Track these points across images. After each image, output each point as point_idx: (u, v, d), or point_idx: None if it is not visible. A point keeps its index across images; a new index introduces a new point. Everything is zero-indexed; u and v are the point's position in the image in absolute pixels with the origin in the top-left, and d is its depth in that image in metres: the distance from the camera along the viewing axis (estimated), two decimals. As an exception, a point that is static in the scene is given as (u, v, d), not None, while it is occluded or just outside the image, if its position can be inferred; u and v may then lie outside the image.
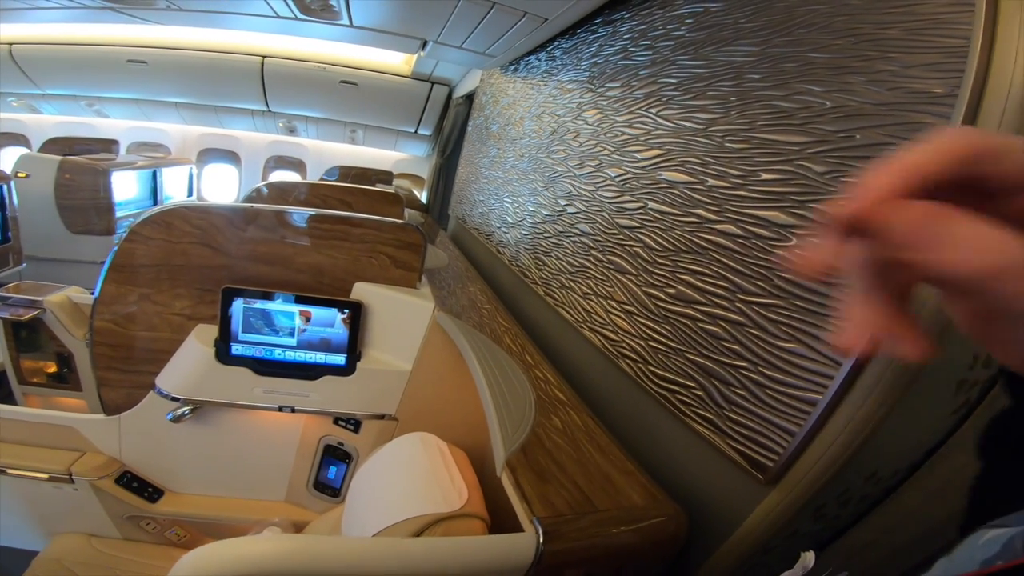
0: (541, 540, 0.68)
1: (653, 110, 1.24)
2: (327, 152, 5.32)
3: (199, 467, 1.57)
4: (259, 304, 1.30)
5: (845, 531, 0.87)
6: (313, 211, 1.36)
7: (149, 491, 1.54)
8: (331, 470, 1.60)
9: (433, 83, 4.39)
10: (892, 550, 0.84)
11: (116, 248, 1.35)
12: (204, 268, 1.36)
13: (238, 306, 1.29)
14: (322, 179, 4.62)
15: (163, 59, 4.15)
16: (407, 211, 3.16)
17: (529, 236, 1.83)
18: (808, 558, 0.43)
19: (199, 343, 1.34)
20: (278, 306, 1.31)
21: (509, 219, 2.11)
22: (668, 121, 1.18)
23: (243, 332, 1.31)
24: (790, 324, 0.78)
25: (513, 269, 1.92)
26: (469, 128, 3.45)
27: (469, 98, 3.84)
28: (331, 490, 1.60)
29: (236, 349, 1.33)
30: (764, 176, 0.87)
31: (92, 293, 2.36)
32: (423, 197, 5.26)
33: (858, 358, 0.70)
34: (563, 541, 0.69)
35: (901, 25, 0.72)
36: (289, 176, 5.31)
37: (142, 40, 4.05)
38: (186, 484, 1.59)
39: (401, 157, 5.49)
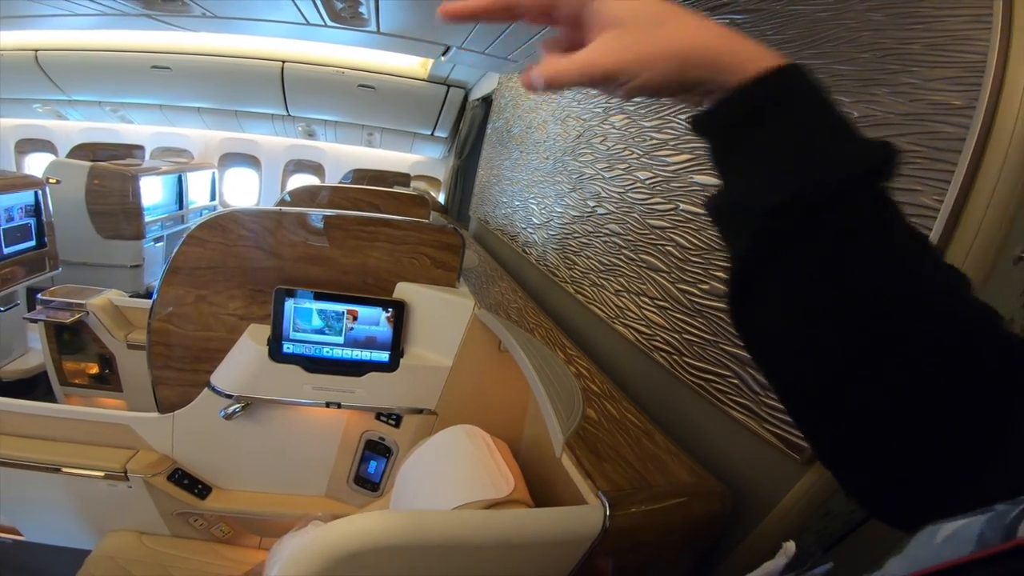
0: (607, 512, 0.74)
1: (682, 116, 1.31)
2: (344, 155, 5.41)
3: (246, 464, 1.63)
4: (308, 303, 1.38)
5: None
6: (358, 214, 1.44)
7: (199, 488, 1.59)
8: (371, 465, 1.66)
9: (449, 86, 4.47)
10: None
11: (175, 252, 1.44)
12: (257, 270, 1.44)
13: (289, 306, 1.37)
14: (341, 183, 4.71)
15: (186, 65, 4.26)
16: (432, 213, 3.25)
17: (557, 236, 1.90)
18: (789, 547, 0.47)
19: (252, 342, 1.42)
20: (326, 305, 1.39)
21: (535, 220, 2.18)
22: (697, 127, 1.24)
23: (293, 331, 1.39)
24: (821, 317, 0.85)
25: (540, 268, 2.00)
26: (488, 131, 3.52)
27: (486, 101, 3.91)
28: (371, 484, 1.66)
29: (287, 347, 1.41)
30: (794, 180, 0.94)
31: (128, 295, 2.48)
32: (440, 198, 5.35)
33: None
34: (626, 513, 0.76)
35: (922, 40, 0.79)
36: (308, 180, 5.41)
37: (166, 46, 4.16)
38: (233, 480, 1.65)
39: (417, 159, 5.58)
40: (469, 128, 4.31)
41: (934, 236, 0.72)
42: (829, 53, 0.94)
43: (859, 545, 0.98)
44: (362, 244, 1.46)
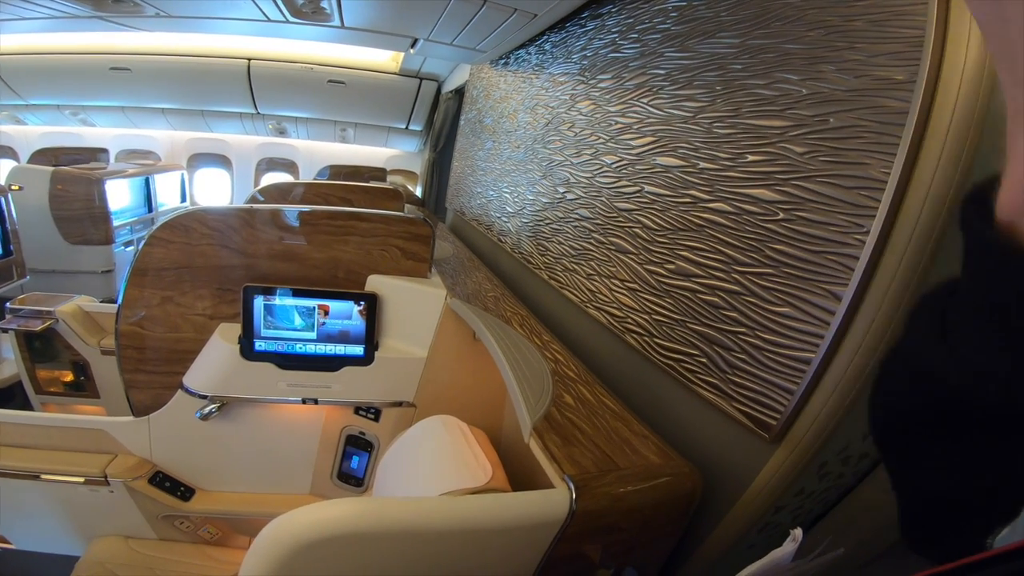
0: (574, 495, 0.75)
1: (644, 100, 1.32)
2: (318, 152, 5.35)
3: (228, 464, 1.63)
4: (278, 300, 1.37)
5: (850, 491, 0.95)
6: (326, 208, 1.43)
7: (182, 490, 1.59)
8: (354, 460, 1.67)
9: (422, 79, 4.43)
10: (893, 513, 0.92)
11: (137, 253, 1.41)
12: (223, 268, 1.43)
13: (259, 303, 1.36)
14: (315, 179, 4.65)
15: (147, 65, 4.16)
16: (407, 206, 3.23)
17: (530, 224, 1.91)
18: (797, 534, 0.47)
19: (223, 341, 1.41)
20: (297, 301, 1.38)
21: (509, 208, 2.18)
22: (659, 110, 1.25)
23: (265, 328, 1.38)
24: (782, 290, 0.87)
25: (515, 256, 2.00)
26: (462, 122, 3.50)
27: (459, 92, 3.89)
28: (355, 480, 1.67)
29: (259, 345, 1.40)
30: (750, 158, 0.95)
31: (99, 301, 2.43)
32: (417, 191, 5.31)
33: (843, 318, 0.78)
34: (593, 496, 0.77)
35: (865, 17, 0.80)
36: (281, 178, 5.33)
37: (125, 47, 4.05)
38: (216, 482, 1.64)
39: (393, 153, 5.53)
40: (443, 120, 4.28)
41: (883, 209, 0.73)
42: (778, 32, 0.95)
43: (835, 524, 0.99)
44: (331, 239, 1.45)
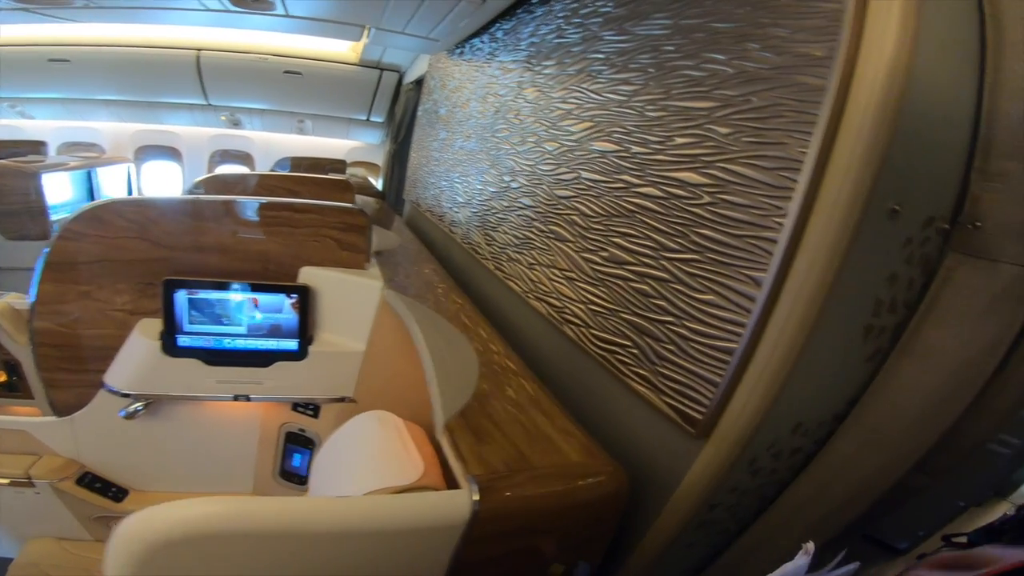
0: (476, 496, 0.70)
1: (584, 85, 1.29)
2: (276, 144, 5.18)
3: (161, 463, 1.56)
4: (203, 294, 1.29)
5: (786, 486, 0.93)
6: (253, 199, 1.36)
7: (113, 491, 1.53)
8: (295, 458, 1.61)
9: (383, 70, 4.33)
10: (834, 505, 0.90)
11: (50, 247, 1.32)
12: (143, 262, 1.34)
13: (181, 297, 1.28)
14: (272, 171, 4.52)
15: (88, 57, 3.96)
16: (362, 198, 3.15)
17: (479, 214, 1.86)
18: (809, 547, 0.46)
19: (144, 337, 1.33)
20: (223, 295, 1.31)
21: (459, 199, 2.14)
22: (597, 95, 1.22)
23: (189, 323, 1.31)
24: (706, 277, 0.84)
25: (465, 247, 1.96)
26: (419, 113, 3.43)
27: (419, 83, 3.81)
28: (298, 478, 1.61)
29: (183, 340, 1.32)
30: (679, 140, 0.93)
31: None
32: (379, 184, 5.20)
33: (764, 305, 0.76)
34: (498, 497, 0.72)
35: (789, -9, 0.78)
36: (237, 170, 5.15)
37: (63, 39, 3.85)
38: (151, 482, 1.58)
39: (355, 145, 5.40)
40: (404, 112, 4.20)
41: (800, 188, 0.71)
42: (710, 11, 0.93)
43: (775, 520, 0.97)
44: (261, 230, 1.38)
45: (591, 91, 1.25)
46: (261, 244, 1.39)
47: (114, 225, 1.30)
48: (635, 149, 1.04)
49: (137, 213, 1.30)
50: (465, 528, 0.68)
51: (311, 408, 1.51)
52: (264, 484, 1.64)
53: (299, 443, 1.59)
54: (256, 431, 1.57)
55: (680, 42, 0.98)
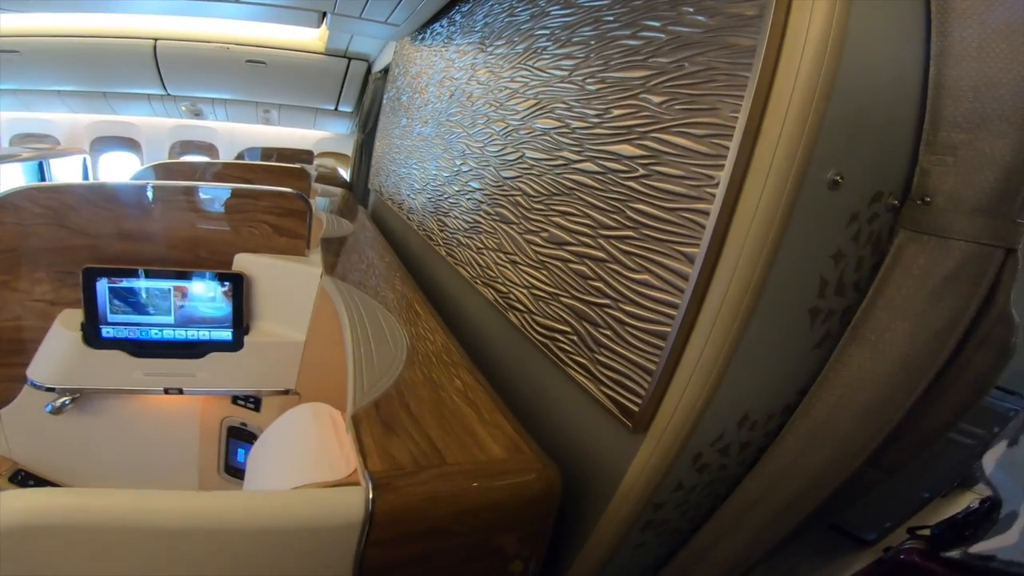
0: (371, 494, 0.64)
1: (530, 62, 1.23)
2: (241, 134, 5.04)
3: (99, 460, 1.49)
4: (126, 283, 1.21)
5: (738, 482, 0.87)
6: (180, 184, 1.28)
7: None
8: (239, 453, 1.54)
9: (350, 59, 4.24)
10: (783, 502, 0.85)
11: (-38, 234, 1.23)
12: (62, 250, 1.26)
13: (103, 286, 1.20)
14: (239, 157, 4.39)
15: (38, 47, 3.79)
16: (325, 187, 3.06)
17: (433, 200, 1.80)
18: None
19: (65, 328, 1.25)
20: (147, 283, 1.23)
21: (416, 185, 2.07)
22: (542, 72, 1.17)
23: (112, 313, 1.23)
24: (641, 255, 0.79)
25: (420, 234, 1.89)
26: (384, 101, 3.35)
27: (387, 72, 3.72)
28: (243, 474, 1.55)
29: (107, 331, 1.24)
30: (615, 112, 0.88)
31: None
32: (347, 175, 5.10)
33: (696, 283, 0.70)
34: (398, 495, 0.66)
35: (723, -52, 0.73)
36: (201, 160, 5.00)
37: (10, 29, 3.68)
38: (89, 480, 1.50)
39: (323, 136, 5.29)
40: (372, 101, 4.10)
41: (731, 155, 0.66)
42: (648, -24, 0.88)
43: (729, 518, 0.92)
44: (190, 215, 1.30)
45: (536, 68, 1.20)
46: (190, 231, 1.31)
47: (28, 212, 1.22)
48: (575, 124, 0.99)
49: (52, 199, 1.22)
50: (361, 528, 0.62)
51: (252, 401, 1.44)
52: (209, 480, 1.57)
53: (242, 438, 1.52)
54: (196, 426, 1.50)
55: (620, 11, 0.93)
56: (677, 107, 0.76)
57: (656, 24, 0.83)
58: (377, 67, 4.16)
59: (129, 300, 1.23)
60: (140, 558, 0.56)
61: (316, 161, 4.60)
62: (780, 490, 0.86)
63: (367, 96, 4.28)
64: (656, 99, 0.79)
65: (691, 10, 0.77)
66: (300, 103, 4.73)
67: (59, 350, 1.27)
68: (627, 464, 0.81)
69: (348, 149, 5.33)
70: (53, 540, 0.52)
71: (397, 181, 2.46)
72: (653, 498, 0.82)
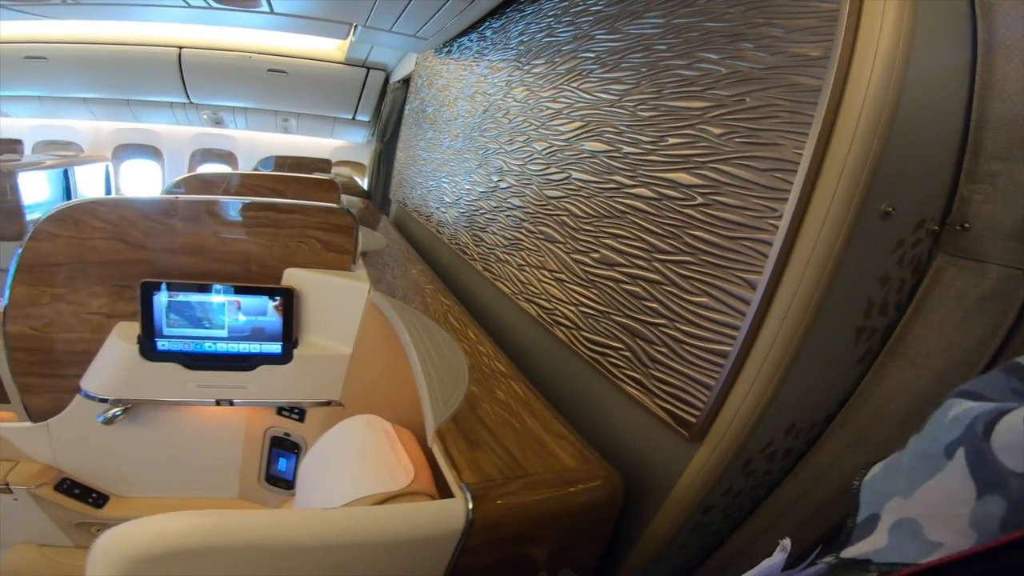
0: (470, 505, 0.68)
1: (575, 84, 1.27)
2: (260, 143, 5.10)
3: (143, 469, 1.53)
4: (183, 296, 1.25)
5: (776, 486, 0.92)
6: (236, 199, 1.32)
7: (93, 497, 1.49)
8: (281, 462, 1.57)
9: (369, 68, 4.29)
10: (815, 506, 0.89)
11: (22, 248, 1.27)
12: (119, 263, 1.30)
13: (160, 300, 1.24)
14: (255, 169, 4.45)
15: (66, 54, 3.86)
16: (347, 197, 3.11)
17: (466, 214, 1.84)
18: (786, 543, 0.45)
19: (121, 341, 1.29)
20: (204, 297, 1.27)
21: (447, 199, 2.11)
22: (588, 94, 1.21)
23: (168, 326, 1.27)
24: (699, 279, 0.83)
25: (453, 248, 1.93)
26: (406, 112, 3.40)
27: (406, 82, 3.77)
28: (284, 483, 1.58)
29: (162, 344, 1.28)
30: (671, 141, 0.91)
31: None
32: (364, 184, 5.15)
33: (758, 308, 0.75)
34: (493, 505, 0.70)
35: (783, -10, 0.77)
36: (219, 169, 5.06)
37: (40, 36, 3.76)
38: (133, 487, 1.54)
39: (340, 144, 5.34)
40: (390, 111, 4.15)
41: (796, 190, 0.70)
42: (703, 10, 0.92)
43: (763, 521, 0.96)
44: (243, 230, 1.34)
45: (581, 90, 1.24)
46: (243, 245, 1.35)
47: (88, 226, 1.26)
48: (626, 149, 1.03)
49: (112, 213, 1.26)
50: (460, 537, 0.67)
51: (296, 412, 1.48)
52: (249, 489, 1.60)
53: (285, 447, 1.56)
54: (241, 435, 1.53)
55: (673, 41, 0.97)
56: (737, 140, 0.79)
57: (714, 57, 0.86)
58: (395, 77, 4.22)
59: (185, 314, 1.27)
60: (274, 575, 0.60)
61: (333, 170, 4.65)
62: (815, 494, 0.91)
63: (385, 106, 4.33)
64: (715, 130, 0.83)
65: (751, 46, 0.81)
66: (319, 112, 4.79)
67: (114, 362, 1.31)
68: (681, 470, 0.85)
69: (363, 158, 5.38)
70: (193, 563, 0.56)
71: (424, 193, 2.50)
72: (705, 502, 0.87)
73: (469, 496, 0.69)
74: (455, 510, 0.67)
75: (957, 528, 0.31)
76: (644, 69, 1.03)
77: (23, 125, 4.69)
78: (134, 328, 1.30)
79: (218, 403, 1.37)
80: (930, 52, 0.72)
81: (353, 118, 4.83)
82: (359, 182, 4.98)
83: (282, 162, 4.46)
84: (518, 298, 1.36)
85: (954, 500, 0.31)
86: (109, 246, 1.28)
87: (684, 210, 0.87)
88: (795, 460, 0.91)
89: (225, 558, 0.57)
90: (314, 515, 0.63)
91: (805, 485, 0.91)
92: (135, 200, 1.29)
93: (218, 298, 1.27)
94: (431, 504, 0.69)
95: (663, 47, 0.99)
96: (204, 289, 1.27)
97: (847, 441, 0.86)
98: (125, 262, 1.30)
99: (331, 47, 4.09)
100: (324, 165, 4.35)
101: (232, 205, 1.32)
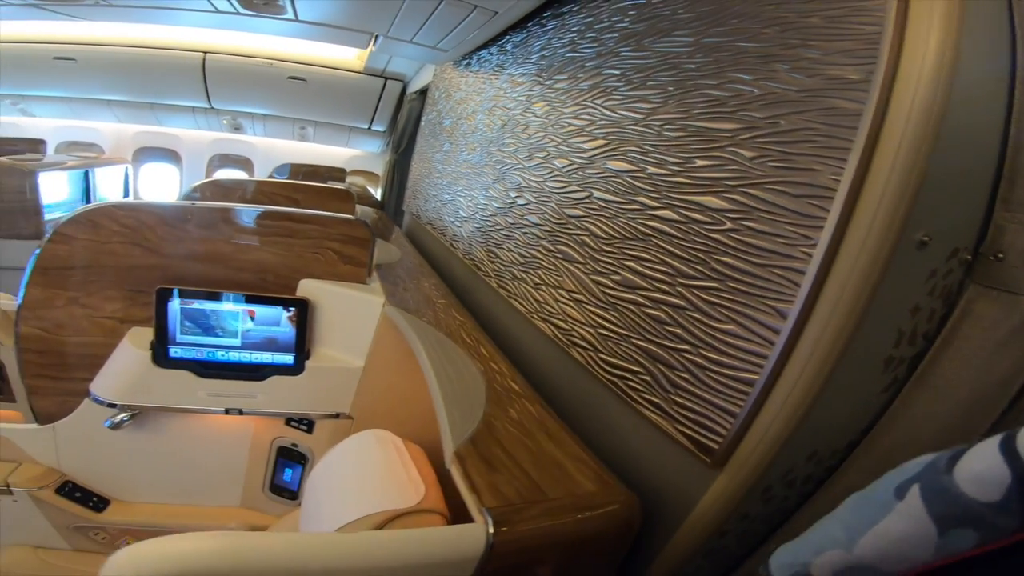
0: (491, 530, 0.67)
1: (598, 101, 1.26)
2: (276, 149, 5.15)
3: (146, 474, 1.52)
4: (197, 304, 1.24)
5: (793, 512, 0.89)
6: (253, 207, 1.32)
7: (94, 500, 1.48)
8: (287, 472, 1.56)
9: (387, 79, 4.33)
10: None
11: (39, 250, 1.27)
12: (135, 268, 1.30)
13: (174, 307, 1.24)
14: (271, 176, 4.48)
15: (93, 56, 3.95)
16: (360, 208, 3.11)
17: (482, 229, 1.83)
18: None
19: (134, 347, 1.28)
20: (218, 306, 1.26)
21: (462, 213, 2.10)
22: (612, 112, 1.19)
23: (182, 334, 1.26)
24: (726, 306, 0.81)
25: (467, 263, 1.92)
26: (422, 123, 3.41)
27: (423, 93, 3.79)
28: (288, 493, 1.56)
29: (175, 351, 1.27)
30: (699, 163, 0.89)
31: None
32: (378, 194, 5.18)
33: (788, 337, 0.72)
34: (514, 530, 0.69)
35: (822, 13, 0.75)
36: (236, 175, 5.11)
37: (70, 37, 3.85)
38: (134, 492, 1.53)
39: (355, 154, 5.38)
40: (406, 121, 4.18)
41: (832, 219, 0.68)
42: (735, 30, 0.90)
43: (777, 544, 0.94)
44: (260, 239, 1.34)
45: (605, 108, 1.22)
46: (259, 254, 1.34)
47: (107, 229, 1.26)
48: (651, 170, 1.01)
49: (131, 217, 1.26)
50: (479, 563, 0.64)
51: (305, 423, 1.46)
52: (253, 498, 1.58)
53: (291, 458, 1.54)
54: (247, 444, 1.52)
55: (702, 60, 0.95)
56: (770, 164, 0.77)
57: (747, 78, 0.84)
58: (412, 87, 4.25)
59: (199, 321, 1.26)
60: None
61: (347, 179, 4.68)
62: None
63: (401, 116, 4.36)
64: (747, 153, 0.81)
65: (786, 67, 0.78)
66: (336, 120, 4.83)
67: (126, 367, 1.30)
68: (699, 496, 0.83)
69: (376, 167, 5.42)
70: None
71: (439, 207, 2.49)
72: (721, 527, 0.84)
73: (491, 520, 0.67)
74: (475, 535, 0.65)
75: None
76: (671, 88, 1.01)
77: (47, 125, 4.78)
78: (147, 334, 1.29)
79: (227, 412, 1.35)
80: (971, 75, 0.69)
81: (369, 128, 4.87)
82: (372, 192, 5.00)
83: (297, 170, 4.50)
84: (534, 317, 1.34)
85: (910, 544, 0.29)
86: (126, 250, 1.28)
87: (712, 235, 0.84)
88: (815, 486, 0.88)
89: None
90: (330, 539, 0.61)
91: (823, 512, 0.89)
92: (155, 204, 1.29)
93: (232, 307, 1.26)
94: (451, 529, 0.67)
95: (692, 66, 0.98)
96: (219, 297, 1.26)
97: (868, 468, 0.84)
98: (141, 267, 1.30)
99: (351, 56, 4.14)
100: (339, 174, 4.38)
101: (250, 213, 1.32)
